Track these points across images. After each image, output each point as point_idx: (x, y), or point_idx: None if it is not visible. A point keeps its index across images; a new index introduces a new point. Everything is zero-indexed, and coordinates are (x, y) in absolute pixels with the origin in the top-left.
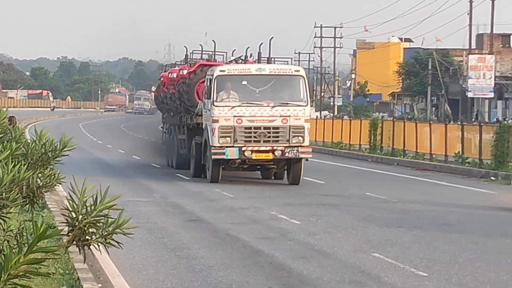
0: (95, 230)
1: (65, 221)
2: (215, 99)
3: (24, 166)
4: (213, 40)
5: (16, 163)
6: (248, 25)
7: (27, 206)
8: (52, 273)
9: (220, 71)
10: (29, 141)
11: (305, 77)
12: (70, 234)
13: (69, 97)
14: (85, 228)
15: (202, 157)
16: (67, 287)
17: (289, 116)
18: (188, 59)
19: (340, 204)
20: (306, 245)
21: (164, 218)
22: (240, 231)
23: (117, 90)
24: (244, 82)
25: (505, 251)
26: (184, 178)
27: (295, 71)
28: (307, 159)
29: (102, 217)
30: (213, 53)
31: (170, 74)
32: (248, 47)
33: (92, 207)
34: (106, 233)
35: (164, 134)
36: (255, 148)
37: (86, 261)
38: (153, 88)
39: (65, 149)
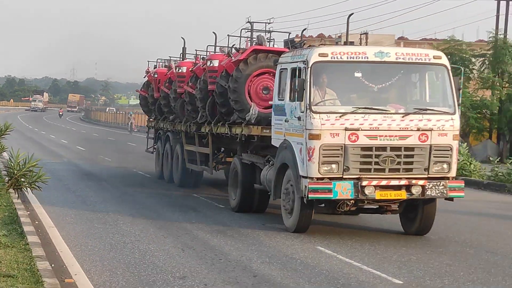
0: (25, 179)
1: (6, 173)
2: (311, 100)
3: None
4: (247, 18)
5: None
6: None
7: None
8: None
9: (320, 55)
10: None
11: (449, 69)
12: (9, 181)
13: (12, 100)
14: (19, 178)
15: (254, 183)
16: (8, 213)
17: (430, 129)
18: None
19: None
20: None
21: (68, 173)
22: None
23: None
24: (358, 74)
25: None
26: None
27: (435, 57)
28: (452, 199)
29: (29, 172)
30: (269, 37)
31: (177, 69)
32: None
33: (23, 166)
34: (31, 181)
35: (154, 142)
36: (383, 183)
37: (19, 198)
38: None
39: (7, 130)
